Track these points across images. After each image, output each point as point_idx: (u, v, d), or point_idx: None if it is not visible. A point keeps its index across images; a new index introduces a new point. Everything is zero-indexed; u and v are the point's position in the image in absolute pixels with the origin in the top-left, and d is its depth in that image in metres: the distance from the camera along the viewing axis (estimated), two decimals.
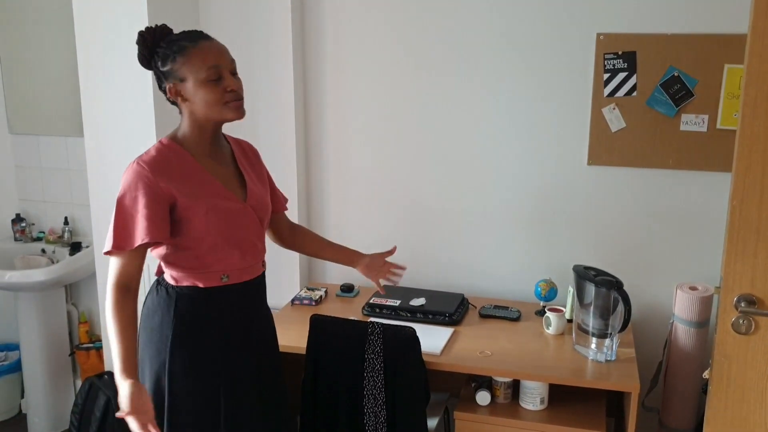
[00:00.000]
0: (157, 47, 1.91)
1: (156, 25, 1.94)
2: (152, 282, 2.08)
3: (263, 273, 2.15)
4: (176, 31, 1.96)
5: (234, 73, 1.94)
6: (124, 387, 1.83)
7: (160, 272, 2.06)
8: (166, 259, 1.99)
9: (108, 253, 1.89)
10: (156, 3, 2.67)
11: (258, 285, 2.13)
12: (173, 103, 1.95)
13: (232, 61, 1.94)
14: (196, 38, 1.90)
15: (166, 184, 1.87)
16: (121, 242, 1.87)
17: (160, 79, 1.93)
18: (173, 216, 1.91)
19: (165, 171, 1.89)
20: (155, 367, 2.02)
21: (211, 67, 1.86)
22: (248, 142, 2.22)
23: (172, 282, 2.00)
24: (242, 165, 2.08)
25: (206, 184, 1.94)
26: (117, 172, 2.77)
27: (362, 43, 2.94)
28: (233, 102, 1.90)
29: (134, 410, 1.81)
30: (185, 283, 1.98)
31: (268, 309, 2.21)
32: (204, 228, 1.92)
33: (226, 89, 1.89)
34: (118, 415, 1.83)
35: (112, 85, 2.76)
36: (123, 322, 1.86)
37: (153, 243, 1.90)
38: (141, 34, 1.92)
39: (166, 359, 1.99)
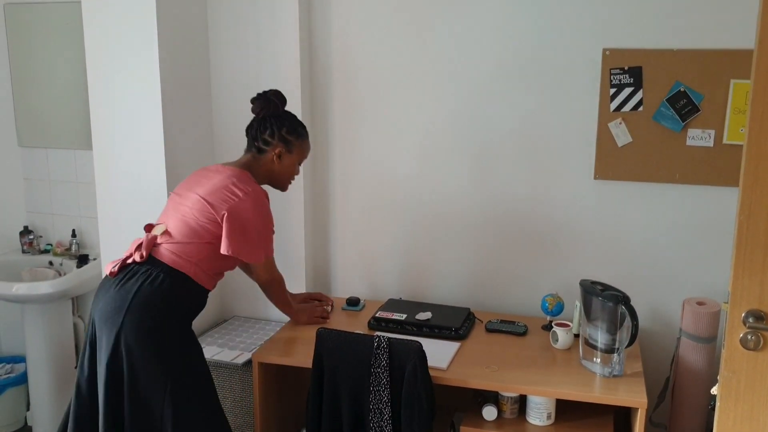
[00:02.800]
0: (284, 113, 2.50)
1: (278, 91, 2.49)
2: (143, 269, 2.26)
3: None
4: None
5: None
6: (292, 313, 2.75)
7: (143, 257, 2.27)
8: (209, 258, 2.31)
9: (261, 260, 2.44)
10: (165, 21, 2.69)
11: None
12: (260, 151, 2.44)
13: None
14: (307, 134, 2.55)
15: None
16: (270, 252, 2.47)
17: (273, 134, 2.43)
18: None
19: None
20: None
21: (306, 159, 2.55)
22: None
23: (194, 278, 2.29)
24: None
25: None
26: (125, 186, 2.80)
27: (370, 47, 2.96)
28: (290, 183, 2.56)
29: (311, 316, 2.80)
30: (203, 283, 2.32)
31: None
32: None
33: (297, 173, 2.54)
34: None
35: (121, 99, 2.78)
36: (284, 293, 2.68)
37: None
38: (275, 94, 2.48)
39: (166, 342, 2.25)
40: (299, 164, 2.52)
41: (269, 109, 2.45)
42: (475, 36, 2.82)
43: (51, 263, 3.42)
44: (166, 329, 2.22)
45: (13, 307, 3.53)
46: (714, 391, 1.93)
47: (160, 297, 2.21)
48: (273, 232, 2.44)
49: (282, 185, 2.54)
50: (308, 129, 3.02)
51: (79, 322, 3.53)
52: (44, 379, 3.38)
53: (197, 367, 2.30)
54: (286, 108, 2.51)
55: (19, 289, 3.15)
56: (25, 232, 3.52)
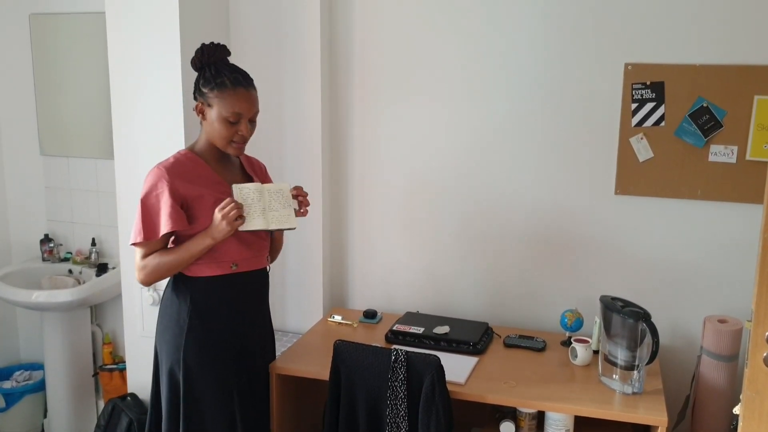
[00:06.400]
0: (209, 65, 2.21)
1: (218, 44, 2.23)
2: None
3: (266, 268, 2.41)
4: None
5: (252, 120, 2.24)
6: (209, 234, 2.15)
7: None
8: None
9: (136, 244, 2.19)
10: (188, 31, 2.71)
11: (262, 277, 2.40)
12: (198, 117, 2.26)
13: (256, 112, 2.25)
14: (238, 83, 2.19)
15: (180, 184, 2.17)
16: (148, 234, 2.16)
17: (196, 90, 2.23)
18: (187, 213, 2.19)
19: (180, 173, 2.19)
20: (170, 357, 2.26)
21: (235, 113, 2.18)
22: (258, 159, 2.50)
23: (187, 273, 2.24)
24: (250, 173, 2.38)
25: (216, 183, 2.24)
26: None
27: (390, 59, 2.97)
28: (237, 144, 2.23)
29: (219, 222, 2.12)
30: (199, 274, 2.24)
31: (268, 309, 2.49)
32: (209, 222, 2.17)
33: (238, 132, 2.20)
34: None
35: (143, 109, 2.80)
36: (171, 254, 2.18)
37: (172, 233, 2.19)
38: (203, 47, 2.22)
39: (182, 347, 2.23)
40: (232, 120, 2.17)
41: (197, 65, 2.23)
42: (497, 49, 2.82)
43: (70, 271, 3.45)
44: (180, 321, 2.25)
45: (33, 314, 3.56)
46: (736, 410, 1.90)
47: (171, 296, 2.31)
48: (157, 214, 2.16)
49: (221, 147, 2.22)
50: (329, 142, 3.05)
51: (97, 331, 3.55)
52: (62, 387, 3.40)
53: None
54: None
55: (39, 296, 3.17)
56: (46, 240, 3.54)
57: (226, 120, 2.17)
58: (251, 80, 2.25)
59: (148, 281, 2.22)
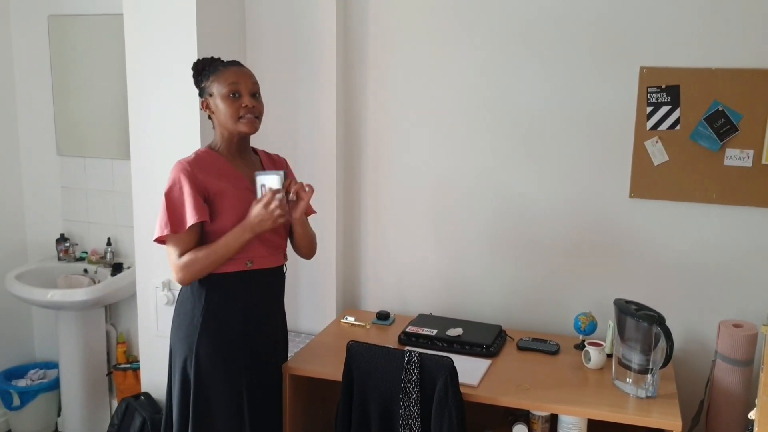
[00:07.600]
0: (203, 72, 2.31)
1: (211, 57, 2.33)
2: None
3: (283, 266, 2.41)
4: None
5: (254, 95, 2.26)
6: (249, 228, 2.17)
7: None
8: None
9: (162, 239, 2.20)
10: (205, 33, 2.74)
11: (277, 276, 2.40)
12: (209, 117, 2.30)
13: (255, 84, 2.28)
14: (229, 63, 2.29)
15: (203, 177, 2.19)
16: (175, 226, 2.17)
17: (199, 93, 2.31)
18: (209, 208, 2.20)
19: (202, 168, 2.22)
20: (183, 354, 2.28)
21: (232, 83, 2.21)
22: (279, 155, 2.50)
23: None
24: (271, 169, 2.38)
25: (236, 180, 2.26)
26: (161, 195, 2.83)
27: (406, 60, 2.97)
28: (246, 117, 2.22)
29: (263, 217, 2.16)
30: (215, 270, 2.22)
31: (283, 309, 2.47)
32: (233, 216, 2.20)
33: (242, 105, 2.21)
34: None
35: (159, 110, 2.82)
36: (207, 249, 2.17)
37: (200, 223, 2.18)
38: (195, 62, 2.32)
39: (194, 344, 2.24)
40: (233, 92, 2.21)
41: (195, 77, 2.32)
42: (509, 51, 2.82)
43: (86, 271, 3.47)
44: (194, 319, 2.26)
45: (48, 313, 3.58)
46: (752, 415, 1.89)
47: (187, 294, 2.32)
48: (177, 207, 2.18)
49: (234, 126, 2.22)
50: (343, 141, 3.06)
51: (111, 330, 3.57)
52: (76, 386, 3.42)
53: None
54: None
55: (54, 295, 3.20)
56: (62, 239, 3.57)
57: (227, 96, 2.21)
58: (242, 63, 2.33)
59: (186, 279, 2.20)
